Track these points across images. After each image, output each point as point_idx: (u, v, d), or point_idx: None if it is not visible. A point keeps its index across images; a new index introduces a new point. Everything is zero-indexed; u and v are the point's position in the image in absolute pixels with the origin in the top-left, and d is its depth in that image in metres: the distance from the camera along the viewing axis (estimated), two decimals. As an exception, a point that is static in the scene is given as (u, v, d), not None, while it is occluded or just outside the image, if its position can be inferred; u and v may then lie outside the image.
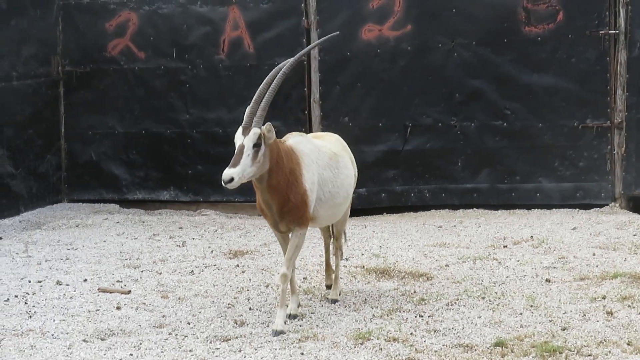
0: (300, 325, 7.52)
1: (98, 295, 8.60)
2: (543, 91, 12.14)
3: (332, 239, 8.45)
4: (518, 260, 9.46)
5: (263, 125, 7.02)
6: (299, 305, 7.87)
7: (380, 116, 12.39)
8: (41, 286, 8.92)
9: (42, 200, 12.93)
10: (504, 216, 11.84)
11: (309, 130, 12.41)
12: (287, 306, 7.57)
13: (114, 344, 7.17)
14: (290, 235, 7.54)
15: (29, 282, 9.07)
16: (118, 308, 8.13)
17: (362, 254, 9.94)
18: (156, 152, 13.00)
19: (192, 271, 9.46)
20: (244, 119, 7.04)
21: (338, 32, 9.47)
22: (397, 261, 9.57)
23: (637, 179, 11.98)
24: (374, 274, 9.10)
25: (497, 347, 6.83)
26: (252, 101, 7.10)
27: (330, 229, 8.43)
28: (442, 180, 12.36)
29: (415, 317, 7.65)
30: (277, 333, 7.19)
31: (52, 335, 7.43)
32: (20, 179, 12.43)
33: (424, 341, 7.03)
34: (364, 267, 9.36)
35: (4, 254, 10.31)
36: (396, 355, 6.72)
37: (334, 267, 8.35)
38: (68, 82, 13.25)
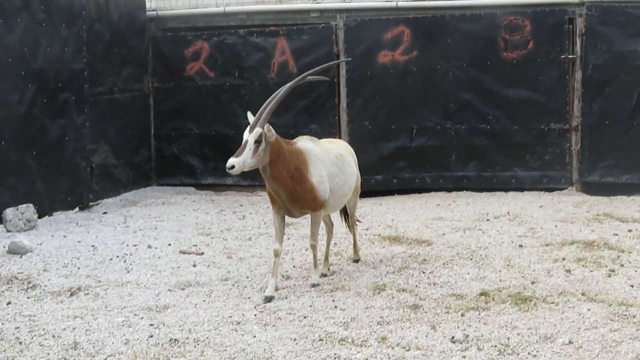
0: (332, 279, 7.52)
1: (179, 256, 8.62)
2: (517, 102, 12.04)
3: (345, 220, 8.25)
4: (498, 230, 9.40)
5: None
6: (329, 268, 7.81)
7: (392, 121, 12.34)
8: (136, 249, 8.95)
9: (137, 184, 12.97)
10: (487, 197, 11.75)
11: (338, 131, 12.41)
12: (320, 265, 7.56)
13: (191, 293, 7.20)
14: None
15: (127, 245, 9.11)
16: (194, 265, 8.15)
17: (379, 225, 9.90)
18: (223, 147, 12.98)
19: (250, 238, 9.46)
20: (253, 121, 6.81)
21: (350, 58, 9.78)
22: (405, 231, 9.54)
23: (589, 169, 11.87)
24: (388, 240, 9.08)
25: (482, 296, 6.81)
26: (262, 108, 6.85)
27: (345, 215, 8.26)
28: (439, 170, 12.30)
29: (419, 273, 7.62)
30: (314, 285, 7.23)
31: (145, 285, 7.46)
32: (120, 168, 12.48)
33: (426, 291, 7.02)
34: (380, 235, 9.33)
35: (108, 225, 10.35)
36: (405, 302, 6.71)
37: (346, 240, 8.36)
38: (156, 95, 13.28)
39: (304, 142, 7.26)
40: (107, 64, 12.09)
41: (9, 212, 9.88)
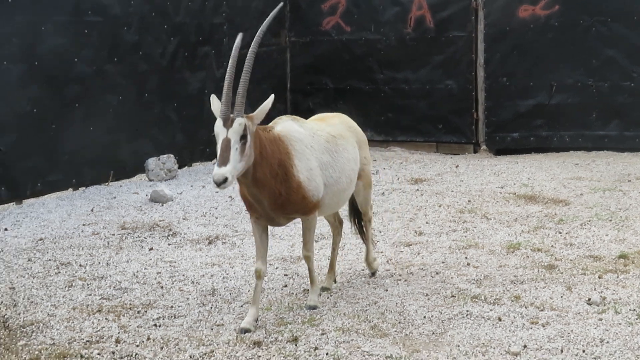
0: (465, 236, 7.46)
1: (313, 209, 8.73)
2: (665, 58, 11.55)
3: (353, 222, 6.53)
4: (639, 192, 9.07)
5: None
6: (335, 280, 6.23)
7: (531, 77, 12.03)
8: (271, 200, 9.11)
9: (273, 138, 13.18)
10: (629, 157, 11.31)
11: (474, 87, 12.22)
12: (319, 280, 5.96)
13: (324, 245, 7.29)
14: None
15: (263, 197, 9.28)
16: (327, 218, 8.24)
17: (514, 184, 9.73)
18: (357, 102, 13.01)
19: (383, 193, 9.48)
20: (222, 109, 5.02)
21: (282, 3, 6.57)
22: (541, 190, 9.34)
23: None
24: (523, 199, 8.92)
25: (621, 259, 6.62)
26: (225, 88, 5.09)
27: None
28: (579, 128, 11.93)
29: (555, 233, 7.47)
30: (310, 308, 5.62)
31: (280, 236, 7.61)
32: (257, 121, 12.69)
33: (562, 252, 6.88)
34: (515, 193, 9.17)
35: (245, 176, 10.58)
36: (540, 262, 6.60)
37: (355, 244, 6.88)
38: (293, 49, 13.40)
39: (284, 126, 5.51)
40: (245, 18, 12.26)
41: (151, 162, 10.25)
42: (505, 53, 12.08)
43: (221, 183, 4.82)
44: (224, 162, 4.84)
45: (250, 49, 5.29)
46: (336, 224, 6.29)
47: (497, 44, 12.09)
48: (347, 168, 5.73)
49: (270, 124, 5.51)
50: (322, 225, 7.51)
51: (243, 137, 4.94)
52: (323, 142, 5.59)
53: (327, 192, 5.54)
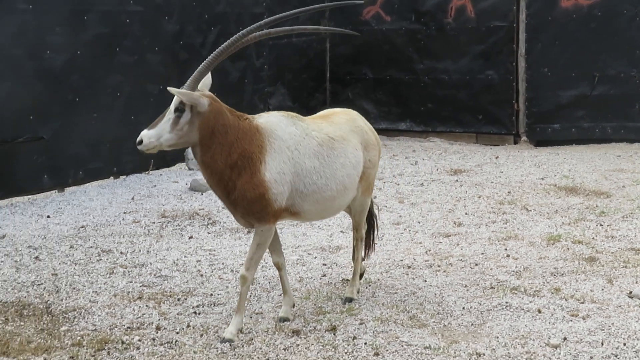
0: (505, 228, 7.42)
1: (352, 199, 8.74)
2: None
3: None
4: (683, 185, 8.97)
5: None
6: (358, 291, 5.79)
7: (573, 67, 11.91)
8: (310, 190, 9.14)
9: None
10: (672, 149, 11.20)
11: (515, 77, 12.11)
12: (244, 313, 5.15)
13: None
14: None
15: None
16: (366, 208, 8.23)
17: (555, 175, 9.65)
18: (397, 92, 12.98)
19: (422, 183, 9.45)
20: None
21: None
22: (582, 182, 9.26)
23: None
24: (564, 191, 8.84)
25: (663, 252, 6.55)
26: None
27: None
28: (621, 120, 11.80)
29: (597, 225, 7.41)
30: (224, 340, 4.93)
31: (318, 226, 7.62)
32: (296, 111, 12.52)
33: (603, 244, 6.82)
34: (556, 185, 9.10)
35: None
36: (580, 254, 6.55)
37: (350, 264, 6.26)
38: (332, 39, 13.37)
39: (269, 119, 5.15)
40: (285, 8, 12.23)
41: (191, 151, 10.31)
42: (547, 43, 11.96)
43: (138, 143, 4.83)
44: (152, 126, 4.86)
45: (241, 32, 5.20)
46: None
47: (539, 34, 11.98)
48: (339, 174, 5.25)
49: (255, 115, 5.18)
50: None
51: (178, 110, 4.83)
52: (314, 145, 5.17)
53: (307, 199, 5.12)
